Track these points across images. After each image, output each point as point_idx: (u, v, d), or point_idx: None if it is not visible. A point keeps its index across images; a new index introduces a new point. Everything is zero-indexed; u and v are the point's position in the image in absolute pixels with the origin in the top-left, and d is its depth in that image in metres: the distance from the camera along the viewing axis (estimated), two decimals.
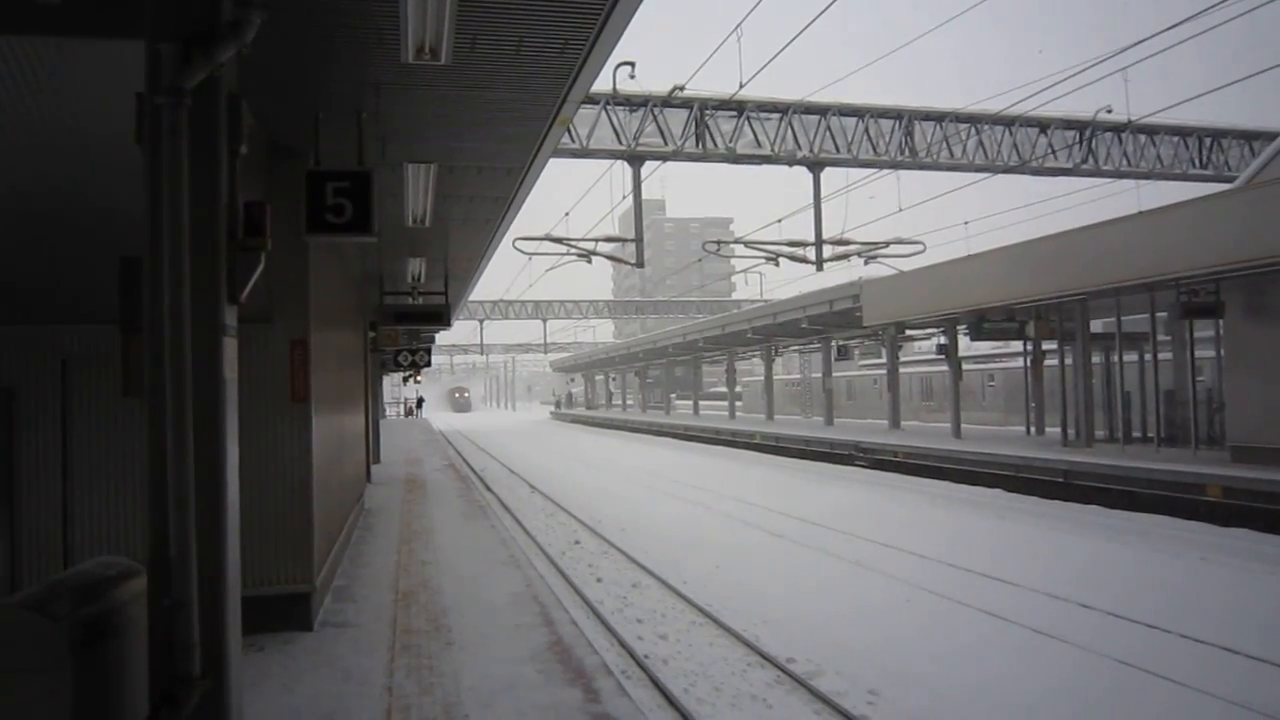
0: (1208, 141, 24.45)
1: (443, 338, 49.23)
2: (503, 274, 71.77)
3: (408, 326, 17.99)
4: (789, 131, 19.66)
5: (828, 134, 19.95)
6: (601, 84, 17.91)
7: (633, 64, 17.45)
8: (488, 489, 23.09)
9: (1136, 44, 13.67)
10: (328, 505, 8.82)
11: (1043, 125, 22.24)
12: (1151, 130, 23.49)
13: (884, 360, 34.63)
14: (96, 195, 5.65)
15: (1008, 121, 21.74)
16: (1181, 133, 24.10)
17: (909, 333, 32.80)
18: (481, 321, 55.79)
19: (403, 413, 71.62)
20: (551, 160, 9.25)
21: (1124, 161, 23.15)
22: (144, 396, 3.51)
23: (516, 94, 6.52)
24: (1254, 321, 16.89)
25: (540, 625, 7.53)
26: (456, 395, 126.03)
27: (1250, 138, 24.65)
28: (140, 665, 3.59)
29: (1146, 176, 23.90)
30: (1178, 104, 30.31)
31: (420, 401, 70.82)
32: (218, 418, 3.64)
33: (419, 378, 38.29)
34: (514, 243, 19.25)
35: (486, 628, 7.47)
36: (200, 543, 3.48)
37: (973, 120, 21.52)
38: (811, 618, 9.92)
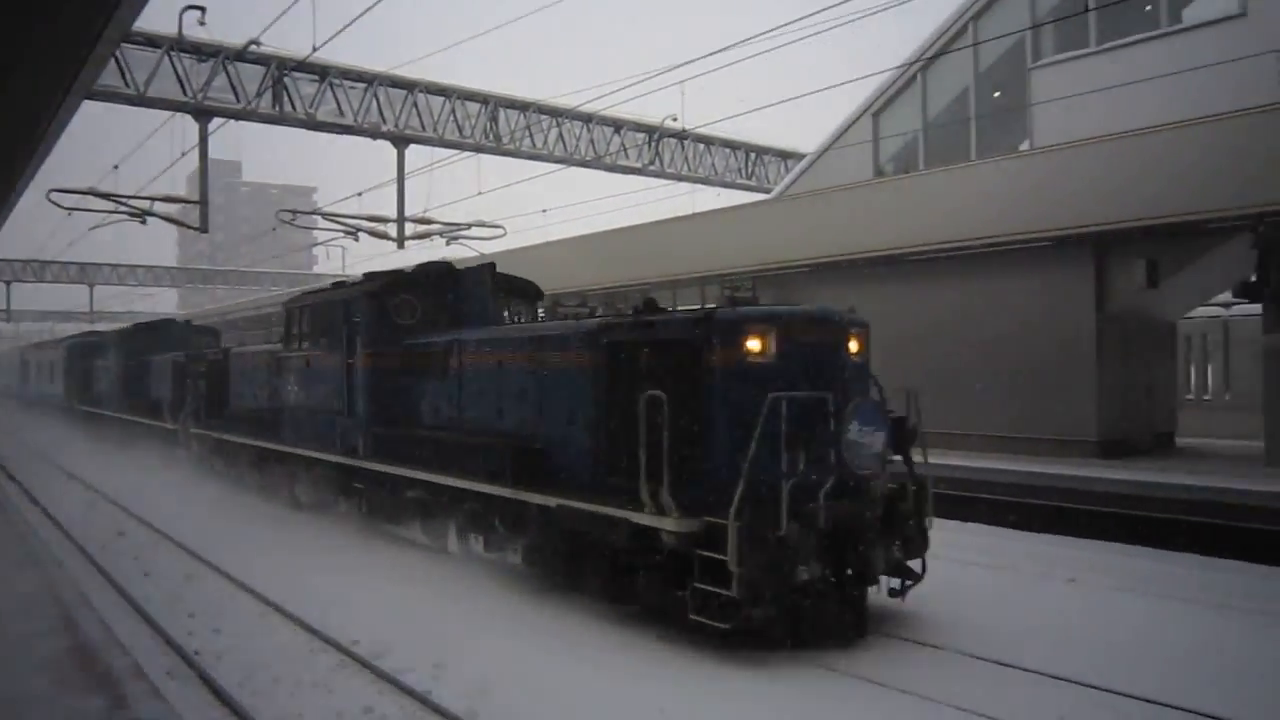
0: (753, 156, 27.97)
1: None
2: (38, 229, 61.61)
3: None
4: (374, 103, 19.21)
5: (414, 110, 19.79)
6: (165, 25, 16.28)
7: (203, 9, 15.99)
8: (11, 478, 19.96)
9: (691, 61, 15.17)
10: None
11: (617, 125, 23.93)
12: (708, 140, 26.37)
13: None
14: None
15: (586, 118, 23.09)
16: (732, 146, 27.35)
17: None
18: (9, 283, 48.18)
19: None
20: (102, 106, 8.18)
21: (685, 166, 25.73)
22: None
23: (43, 22, 5.67)
24: None
25: (59, 630, 6.66)
26: None
27: (786, 156, 28.58)
28: None
29: (704, 182, 26.84)
30: (726, 119, 34.11)
31: None
32: None
33: None
34: (48, 194, 16.75)
35: None
36: None
37: (554, 113, 22.57)
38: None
